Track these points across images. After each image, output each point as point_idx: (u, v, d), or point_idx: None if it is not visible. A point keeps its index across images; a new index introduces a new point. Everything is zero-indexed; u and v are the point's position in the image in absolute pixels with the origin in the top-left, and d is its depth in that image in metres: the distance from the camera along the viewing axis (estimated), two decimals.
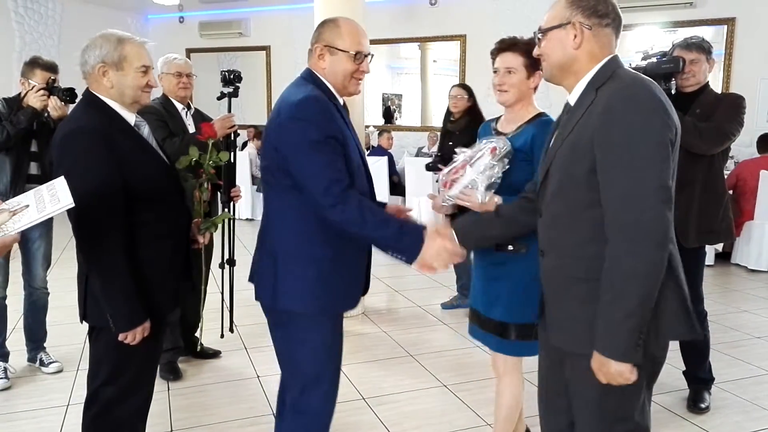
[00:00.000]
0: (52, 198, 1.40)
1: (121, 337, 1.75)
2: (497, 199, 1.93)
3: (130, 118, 1.84)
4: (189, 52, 10.27)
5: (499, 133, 2.14)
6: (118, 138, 1.75)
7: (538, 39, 1.56)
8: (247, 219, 7.94)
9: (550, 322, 1.61)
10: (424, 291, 4.91)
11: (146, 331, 1.78)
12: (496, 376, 2.25)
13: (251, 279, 1.92)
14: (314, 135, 1.67)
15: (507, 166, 1.94)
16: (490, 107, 9.63)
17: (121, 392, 1.84)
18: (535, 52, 1.61)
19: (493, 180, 1.92)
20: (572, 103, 1.53)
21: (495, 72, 2.08)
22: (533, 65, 1.98)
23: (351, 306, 1.93)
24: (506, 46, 2.04)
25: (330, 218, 1.69)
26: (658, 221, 1.34)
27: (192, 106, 3.29)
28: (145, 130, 1.89)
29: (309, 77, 1.83)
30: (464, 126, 4.19)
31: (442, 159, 3.90)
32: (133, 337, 1.75)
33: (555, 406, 1.70)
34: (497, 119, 2.21)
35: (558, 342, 1.59)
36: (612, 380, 1.40)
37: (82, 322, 1.87)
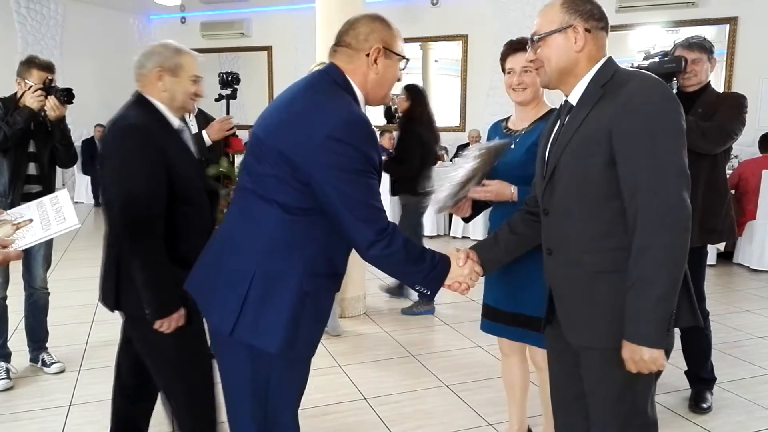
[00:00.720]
0: (57, 215, 1.41)
1: (156, 324, 1.82)
2: (512, 189, 2.02)
3: (175, 122, 1.96)
4: None
5: (509, 131, 2.16)
6: (165, 138, 1.87)
7: (535, 45, 1.57)
8: None
9: (566, 322, 1.61)
10: None
11: (181, 319, 1.86)
12: (504, 357, 2.38)
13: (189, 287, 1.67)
14: (360, 163, 1.45)
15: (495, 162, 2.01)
16: (491, 107, 9.66)
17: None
18: (529, 57, 1.62)
19: (472, 175, 1.98)
20: (574, 102, 1.55)
21: (509, 73, 2.10)
22: None
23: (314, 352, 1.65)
24: (521, 46, 2.04)
25: (369, 253, 1.51)
26: (683, 206, 1.38)
27: (195, 107, 3.29)
28: (186, 134, 2.00)
29: (341, 81, 1.55)
30: (402, 126, 4.39)
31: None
32: (168, 324, 1.83)
33: (575, 410, 1.70)
34: (507, 119, 2.23)
35: (579, 340, 1.58)
36: (644, 368, 1.42)
37: (114, 311, 1.97)
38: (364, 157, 1.45)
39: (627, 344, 1.43)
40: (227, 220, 1.66)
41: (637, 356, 1.41)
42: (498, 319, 2.21)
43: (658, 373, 1.56)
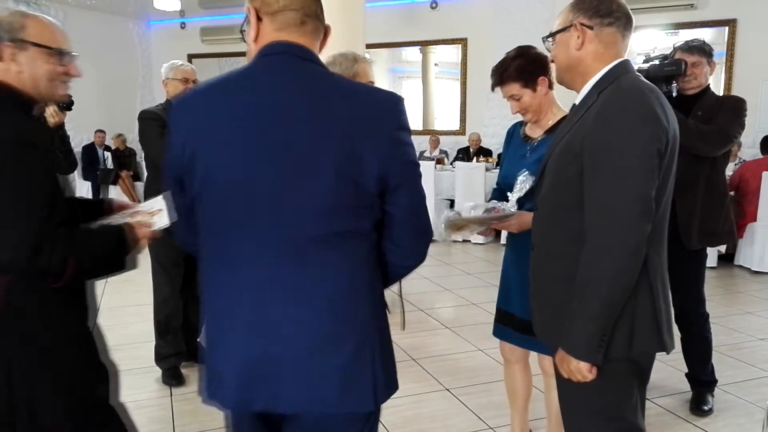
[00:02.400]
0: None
1: None
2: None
3: None
4: (191, 57, 10.31)
5: (527, 139, 2.17)
6: None
7: (549, 44, 1.59)
8: None
9: (535, 317, 1.65)
10: (426, 295, 4.91)
11: None
12: (506, 364, 2.38)
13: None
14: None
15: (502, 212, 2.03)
16: (491, 110, 9.67)
17: None
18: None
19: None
20: (577, 104, 1.55)
21: (507, 99, 2.13)
22: (531, 80, 2.02)
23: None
24: (498, 81, 2.07)
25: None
26: (632, 230, 1.34)
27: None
28: None
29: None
30: None
31: None
32: None
33: None
34: (526, 122, 2.22)
35: (541, 337, 1.64)
36: (572, 376, 1.44)
37: None
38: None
39: (560, 350, 1.46)
40: None
41: (565, 364, 1.44)
42: (510, 324, 2.20)
43: (644, 381, 1.57)
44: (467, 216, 2.02)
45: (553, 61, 1.61)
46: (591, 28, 1.47)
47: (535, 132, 2.14)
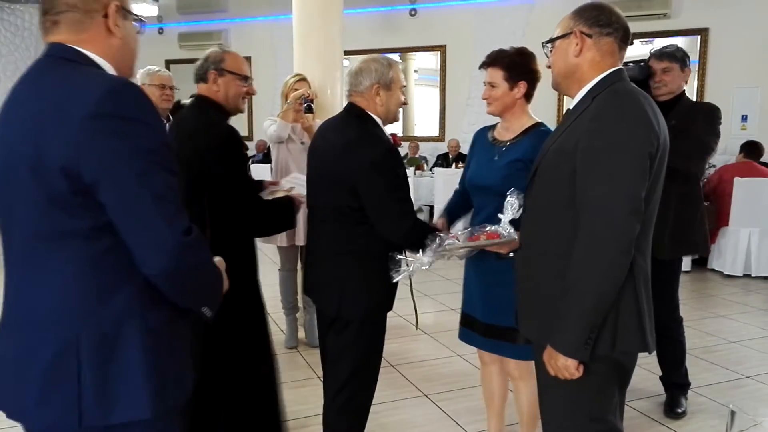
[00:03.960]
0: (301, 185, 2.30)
1: None
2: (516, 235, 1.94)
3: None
4: (169, 63, 10.22)
5: (495, 141, 2.17)
6: None
7: (548, 50, 1.63)
8: None
9: (521, 315, 1.67)
10: (405, 301, 4.90)
11: None
12: (483, 366, 2.39)
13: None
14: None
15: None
16: (470, 116, 9.72)
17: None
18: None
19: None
20: (571, 109, 1.59)
21: (484, 84, 2.14)
22: (514, 77, 2.05)
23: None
24: (489, 61, 2.10)
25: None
26: (624, 228, 1.39)
27: (171, 118, 3.28)
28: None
29: (74, 56, 1.21)
30: None
31: None
32: None
33: None
34: (494, 127, 2.24)
35: (529, 335, 1.66)
36: (559, 373, 1.47)
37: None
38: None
39: (548, 347, 1.49)
40: None
41: (553, 360, 1.48)
42: (474, 328, 2.22)
43: (625, 383, 1.59)
44: (466, 244, 1.94)
45: (550, 67, 1.65)
46: (590, 36, 1.52)
47: (505, 136, 2.16)
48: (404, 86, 2.08)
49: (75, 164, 1.08)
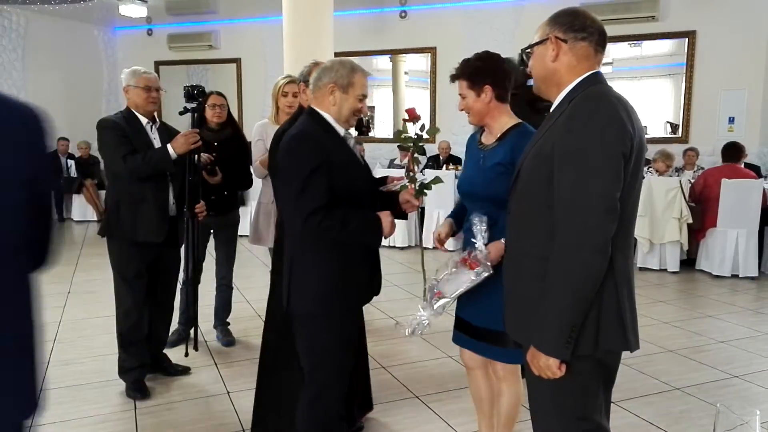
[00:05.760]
0: None
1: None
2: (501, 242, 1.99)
3: (341, 131, 2.09)
4: (158, 64, 10.18)
5: (482, 146, 2.20)
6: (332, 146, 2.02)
7: (527, 56, 1.66)
8: None
9: (508, 317, 1.69)
10: (396, 302, 4.91)
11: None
12: (468, 371, 2.39)
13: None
14: None
15: (481, 277, 2.03)
16: (461, 118, 9.70)
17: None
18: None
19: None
20: (551, 112, 1.61)
21: None
22: (478, 83, 2.09)
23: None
24: (457, 73, 2.16)
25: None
26: (599, 228, 1.41)
27: (158, 120, 3.25)
28: (351, 142, 2.12)
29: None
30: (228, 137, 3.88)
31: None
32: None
33: None
34: (482, 131, 2.26)
35: (514, 336, 1.68)
36: (542, 373, 1.49)
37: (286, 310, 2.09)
38: None
39: (530, 347, 1.51)
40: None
41: (535, 360, 1.50)
42: (466, 331, 2.24)
43: (610, 383, 1.61)
44: (453, 291, 2.09)
45: (530, 72, 1.67)
46: (565, 41, 1.55)
47: (489, 139, 2.19)
48: (364, 96, 2.08)
49: None
